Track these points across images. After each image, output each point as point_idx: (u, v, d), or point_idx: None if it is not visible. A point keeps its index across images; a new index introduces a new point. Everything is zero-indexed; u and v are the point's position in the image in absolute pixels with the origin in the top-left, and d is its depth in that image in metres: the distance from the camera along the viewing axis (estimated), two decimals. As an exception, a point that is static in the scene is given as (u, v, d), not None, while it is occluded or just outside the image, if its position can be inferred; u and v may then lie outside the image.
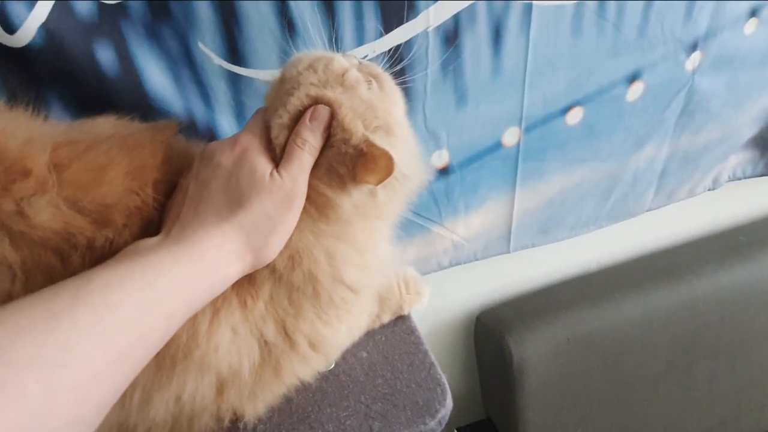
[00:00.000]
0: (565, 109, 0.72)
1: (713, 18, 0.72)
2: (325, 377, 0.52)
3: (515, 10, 0.61)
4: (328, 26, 0.54)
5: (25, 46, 0.46)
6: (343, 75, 0.39)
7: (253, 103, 0.57)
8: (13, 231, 0.32)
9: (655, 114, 0.78)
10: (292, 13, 0.53)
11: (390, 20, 0.57)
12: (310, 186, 0.37)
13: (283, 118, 0.38)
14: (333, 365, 0.54)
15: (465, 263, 0.83)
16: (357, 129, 0.37)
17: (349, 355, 0.55)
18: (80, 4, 0.47)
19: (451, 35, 0.60)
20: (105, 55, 0.49)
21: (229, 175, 0.36)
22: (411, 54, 0.59)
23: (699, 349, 0.96)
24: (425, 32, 0.59)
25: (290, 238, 0.38)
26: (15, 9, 0.44)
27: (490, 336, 0.90)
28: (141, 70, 0.51)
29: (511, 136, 0.72)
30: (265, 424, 0.48)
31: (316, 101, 0.38)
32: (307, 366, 0.44)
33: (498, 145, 0.72)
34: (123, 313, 0.29)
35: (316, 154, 0.37)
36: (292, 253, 0.38)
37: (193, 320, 0.36)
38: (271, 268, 0.38)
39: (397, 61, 0.58)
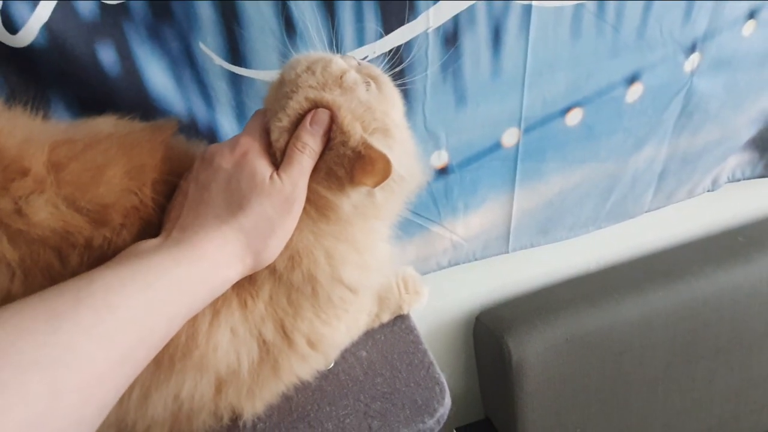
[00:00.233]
0: (564, 110, 0.72)
1: (712, 19, 0.72)
2: (324, 376, 0.53)
3: (515, 12, 0.62)
4: (329, 27, 0.55)
5: (28, 46, 0.46)
6: (341, 77, 0.40)
7: (254, 104, 0.57)
8: (12, 229, 0.32)
9: (654, 115, 0.78)
10: (293, 13, 0.53)
11: (390, 21, 0.57)
12: (310, 188, 0.38)
13: (283, 121, 0.38)
14: (332, 364, 0.54)
15: (464, 263, 0.83)
16: (355, 131, 0.37)
17: (348, 354, 0.55)
18: (82, 5, 0.47)
19: (451, 36, 0.60)
20: (107, 55, 0.49)
21: (229, 177, 0.37)
22: (411, 55, 0.59)
23: (698, 350, 0.97)
24: (425, 33, 0.59)
25: (290, 239, 0.38)
26: (17, 9, 0.44)
27: (489, 336, 0.90)
28: (142, 70, 0.51)
29: (510, 137, 0.72)
30: (265, 423, 0.48)
31: (315, 104, 0.38)
32: (305, 365, 0.44)
33: (497, 146, 0.72)
34: (124, 315, 0.30)
35: (316, 157, 0.38)
36: (292, 254, 0.38)
37: (193, 320, 0.36)
38: (271, 268, 0.38)
39: (397, 62, 0.58)
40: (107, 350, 0.28)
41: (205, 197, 0.36)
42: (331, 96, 0.38)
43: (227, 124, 0.58)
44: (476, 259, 0.84)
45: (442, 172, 0.71)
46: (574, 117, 0.73)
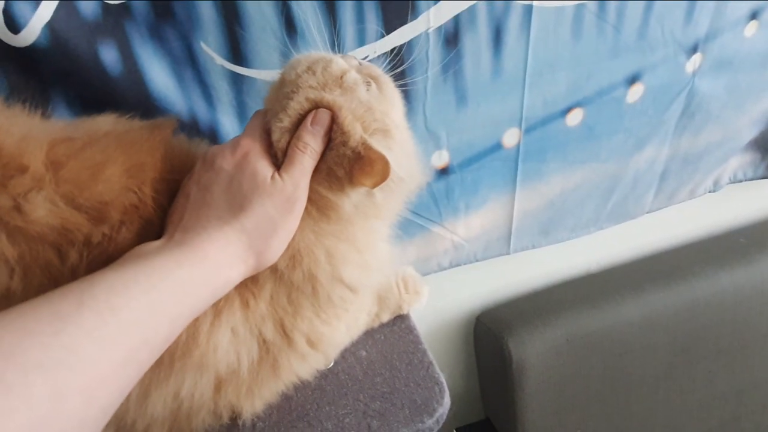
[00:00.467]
0: (565, 110, 0.72)
1: (713, 20, 0.72)
2: (324, 375, 0.53)
3: (515, 12, 0.62)
4: (330, 27, 0.55)
5: (30, 45, 0.46)
6: (341, 77, 0.40)
7: (255, 103, 0.57)
8: (10, 226, 0.33)
9: (656, 116, 0.78)
10: (294, 13, 0.53)
11: (391, 21, 0.57)
12: (311, 188, 0.38)
13: (284, 122, 0.38)
14: (332, 364, 0.54)
15: (465, 264, 0.83)
16: (355, 131, 0.37)
17: (348, 354, 0.55)
18: (84, 4, 0.47)
19: (452, 36, 0.60)
20: (108, 55, 0.49)
21: (231, 178, 0.37)
22: (411, 55, 0.59)
23: (699, 351, 0.96)
24: (426, 33, 0.59)
25: (292, 238, 0.38)
26: (19, 8, 0.44)
27: (489, 336, 0.90)
28: (144, 69, 0.51)
29: (511, 137, 0.72)
30: (265, 422, 0.48)
31: (316, 105, 0.38)
32: (305, 364, 0.44)
33: (498, 146, 0.72)
34: (127, 317, 0.30)
35: (317, 157, 0.38)
36: (293, 253, 0.39)
37: (195, 320, 0.36)
38: (273, 267, 0.38)
39: (398, 62, 0.58)
40: (110, 352, 0.29)
41: (207, 199, 0.37)
42: (331, 96, 0.38)
43: (228, 124, 0.58)
44: (477, 260, 0.84)
45: (443, 172, 0.71)
46: (575, 117, 0.73)
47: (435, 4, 0.57)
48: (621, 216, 0.89)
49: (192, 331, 0.37)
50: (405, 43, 0.59)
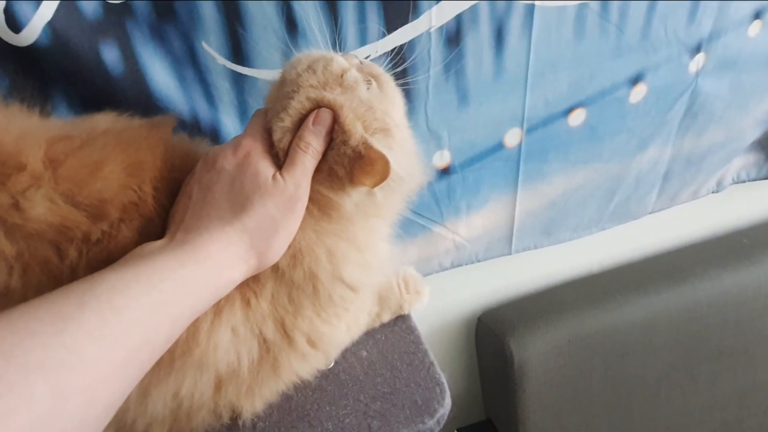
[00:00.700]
0: (567, 110, 0.72)
1: (717, 20, 0.72)
2: (324, 376, 0.53)
3: (517, 11, 0.61)
4: (331, 26, 0.55)
5: (31, 44, 0.46)
6: (341, 76, 0.40)
7: (256, 103, 0.57)
8: (9, 224, 0.33)
9: (658, 116, 0.78)
10: (296, 13, 0.53)
11: (393, 20, 0.57)
12: (312, 187, 0.38)
13: (285, 121, 0.38)
14: (333, 364, 0.54)
15: (466, 264, 0.83)
16: (356, 130, 0.37)
17: (348, 354, 0.55)
18: (86, 4, 0.47)
19: (454, 36, 0.60)
20: (110, 55, 0.49)
21: (233, 179, 0.37)
22: (413, 54, 0.59)
23: (701, 352, 0.96)
24: (428, 33, 0.59)
25: (293, 237, 0.38)
26: (21, 8, 0.44)
27: (491, 337, 0.90)
28: (146, 69, 0.51)
29: (512, 137, 0.72)
30: (265, 422, 0.48)
31: (317, 104, 0.38)
32: (305, 363, 0.44)
33: (500, 146, 0.72)
34: (129, 317, 0.30)
35: (318, 157, 0.38)
36: (294, 252, 0.38)
37: (195, 319, 0.36)
38: (275, 266, 0.38)
39: (400, 62, 0.58)
40: (111, 352, 0.29)
41: (209, 199, 0.37)
42: (332, 95, 0.38)
43: (230, 123, 0.58)
44: (479, 261, 0.83)
45: (445, 172, 0.71)
46: (577, 117, 0.73)
47: (437, 3, 0.57)
48: (623, 216, 0.88)
49: (192, 330, 0.36)
50: (407, 43, 0.58)
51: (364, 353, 0.55)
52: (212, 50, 0.53)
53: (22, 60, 0.47)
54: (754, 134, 0.89)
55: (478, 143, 0.70)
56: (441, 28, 0.59)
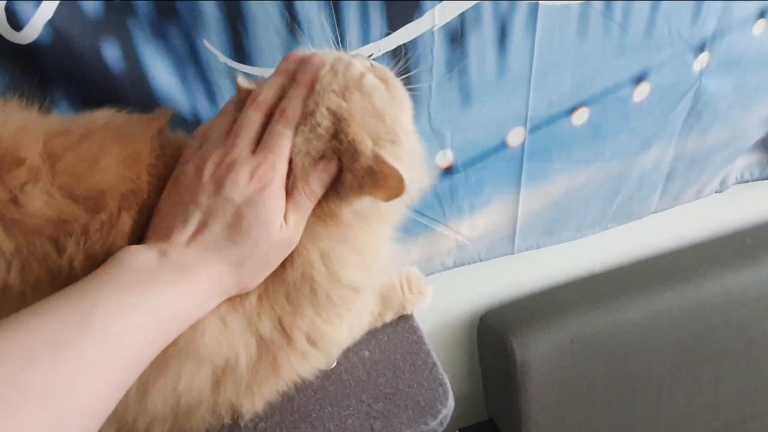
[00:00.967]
0: (570, 109, 0.71)
1: (721, 19, 0.71)
2: (326, 376, 0.52)
3: (521, 10, 0.61)
4: (334, 25, 0.54)
5: (32, 42, 0.46)
6: (360, 80, 0.39)
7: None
8: (7, 219, 0.32)
9: (662, 115, 0.77)
10: (298, 11, 0.53)
11: (395, 19, 0.56)
12: None
13: (312, 152, 0.37)
14: (335, 364, 0.54)
15: (469, 264, 0.83)
16: (366, 146, 0.36)
17: (351, 354, 0.55)
18: (87, 2, 0.47)
19: (457, 35, 0.60)
20: (111, 53, 0.49)
21: (240, 214, 0.35)
22: (416, 53, 0.59)
23: (704, 353, 0.96)
24: (431, 31, 0.59)
25: None
26: (22, 6, 0.44)
27: (493, 337, 0.90)
28: (147, 67, 0.51)
29: (515, 137, 0.71)
30: (266, 422, 0.48)
31: (336, 117, 0.37)
32: (305, 363, 0.44)
33: (503, 145, 0.72)
34: (125, 344, 0.31)
35: (316, 201, 0.38)
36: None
37: None
38: None
39: (403, 61, 0.58)
40: (109, 376, 0.29)
41: (211, 225, 0.35)
42: (347, 106, 0.37)
43: (231, 122, 0.57)
44: (481, 260, 0.83)
45: (447, 171, 0.71)
46: (581, 117, 0.73)
47: (440, 2, 0.57)
48: (626, 216, 0.88)
49: None
50: (410, 42, 0.58)
51: (367, 353, 0.55)
52: (214, 48, 0.53)
53: (23, 58, 0.47)
54: (757, 134, 0.88)
55: (480, 142, 0.70)
56: (444, 26, 0.59)
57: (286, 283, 0.39)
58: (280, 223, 0.36)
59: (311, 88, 0.38)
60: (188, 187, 0.37)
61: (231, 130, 0.38)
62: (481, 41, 0.61)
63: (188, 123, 0.55)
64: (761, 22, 0.74)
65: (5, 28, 0.45)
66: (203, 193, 0.36)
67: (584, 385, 0.92)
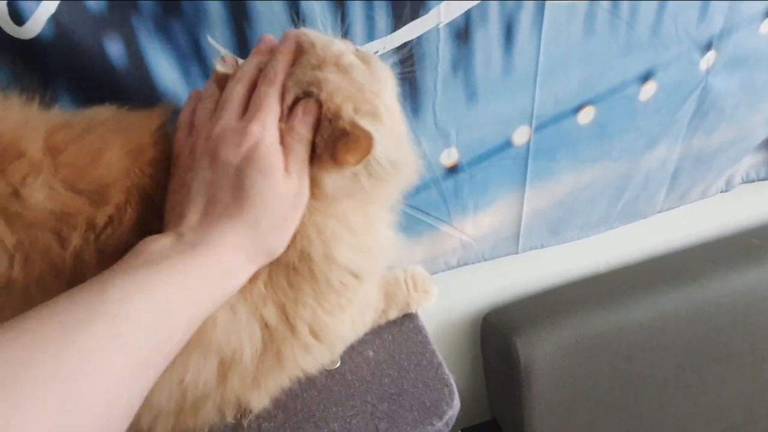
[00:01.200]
0: (576, 108, 0.71)
1: (728, 17, 0.71)
2: (331, 376, 0.52)
3: (527, 8, 0.60)
4: (339, 22, 0.54)
5: (34, 38, 0.45)
6: (339, 57, 0.39)
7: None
8: (9, 212, 0.32)
9: (668, 114, 0.77)
10: (302, 8, 0.52)
11: (401, 16, 0.56)
12: None
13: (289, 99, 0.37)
14: (339, 363, 0.53)
15: (473, 263, 0.83)
16: (346, 112, 0.36)
17: (355, 354, 0.54)
18: (90, -2, 0.46)
19: (463, 32, 0.59)
20: (114, 49, 0.49)
21: (241, 174, 0.35)
22: (422, 51, 0.59)
23: (709, 353, 0.95)
24: (436, 29, 0.58)
25: None
26: (24, 0, 0.44)
27: (497, 336, 0.90)
28: (150, 64, 0.51)
29: (521, 135, 0.71)
30: (270, 422, 0.48)
31: (309, 85, 0.37)
32: (309, 356, 0.43)
33: (508, 144, 0.71)
34: (140, 323, 0.29)
35: (309, 146, 0.37)
36: None
37: None
38: None
39: (408, 58, 0.57)
40: (126, 357, 0.28)
41: (216, 195, 0.35)
42: (324, 75, 0.37)
43: (235, 120, 0.57)
44: (485, 260, 0.83)
45: (452, 170, 0.71)
46: (587, 115, 0.72)
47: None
48: (632, 215, 0.87)
49: None
50: (415, 39, 0.58)
51: (371, 353, 0.55)
52: (218, 45, 0.52)
53: (25, 53, 0.46)
54: (764, 133, 0.88)
55: (486, 141, 0.70)
56: (449, 24, 0.58)
57: (287, 265, 0.39)
58: (281, 173, 0.35)
59: (293, 56, 0.38)
60: (187, 170, 0.37)
61: (216, 108, 0.38)
62: (487, 39, 0.61)
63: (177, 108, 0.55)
64: (768, 20, 0.74)
65: (7, 23, 0.44)
66: (202, 168, 0.36)
67: (588, 386, 0.91)
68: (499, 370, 0.94)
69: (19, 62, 0.47)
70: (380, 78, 0.41)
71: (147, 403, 0.37)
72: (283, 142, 0.36)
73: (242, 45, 0.53)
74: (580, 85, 0.69)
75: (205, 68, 0.53)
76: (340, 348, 0.52)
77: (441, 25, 0.58)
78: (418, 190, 0.70)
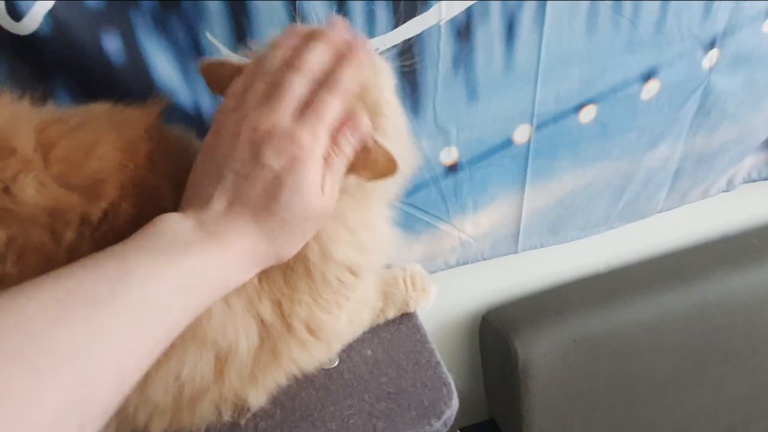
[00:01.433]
0: (578, 106, 0.70)
1: (732, 15, 0.70)
2: (328, 375, 0.52)
3: (529, 5, 0.60)
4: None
5: (32, 33, 0.45)
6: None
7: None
8: (0, 209, 0.32)
9: (670, 113, 0.76)
10: (303, 4, 0.52)
11: (401, 13, 0.56)
12: None
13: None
14: (337, 362, 0.53)
15: (472, 262, 0.82)
16: (363, 121, 0.36)
17: (353, 353, 0.54)
18: (88, -7, 0.46)
19: (464, 29, 0.59)
20: (112, 45, 0.48)
21: (279, 182, 0.33)
22: (423, 48, 0.58)
23: (708, 354, 0.95)
24: (437, 26, 0.58)
25: None
26: (22, -4, 0.43)
27: (495, 336, 0.89)
28: (148, 59, 0.50)
29: (522, 134, 0.70)
30: (267, 421, 0.48)
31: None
32: (305, 352, 0.43)
33: (508, 143, 0.71)
34: (157, 311, 0.30)
35: (347, 164, 0.37)
36: None
37: None
38: None
39: (408, 55, 0.57)
40: (139, 341, 0.29)
41: (248, 192, 0.34)
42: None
43: (234, 117, 0.57)
44: (485, 259, 0.82)
45: (452, 169, 0.70)
46: (588, 114, 0.72)
47: (447, -4, 0.56)
48: (632, 215, 0.87)
49: None
50: (416, 36, 0.57)
51: (369, 352, 0.54)
52: (217, 41, 0.52)
53: (23, 49, 0.46)
54: (766, 132, 0.87)
55: (486, 139, 0.69)
56: (451, 21, 0.58)
57: (283, 263, 0.38)
58: (317, 193, 0.34)
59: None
60: (224, 152, 0.35)
61: (270, 92, 0.35)
62: (488, 36, 0.60)
63: (190, 117, 0.54)
64: (772, 19, 0.73)
65: (4, 18, 0.44)
66: (240, 159, 0.34)
67: (587, 386, 0.91)
68: (497, 370, 0.94)
69: (16, 58, 0.47)
70: (379, 70, 0.40)
71: (144, 398, 0.37)
72: (326, 157, 0.35)
73: (242, 40, 0.52)
74: (582, 83, 0.68)
75: (204, 64, 0.53)
76: (337, 346, 0.51)
77: (442, 22, 0.58)
78: (418, 188, 0.70)
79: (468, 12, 0.58)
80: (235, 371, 0.40)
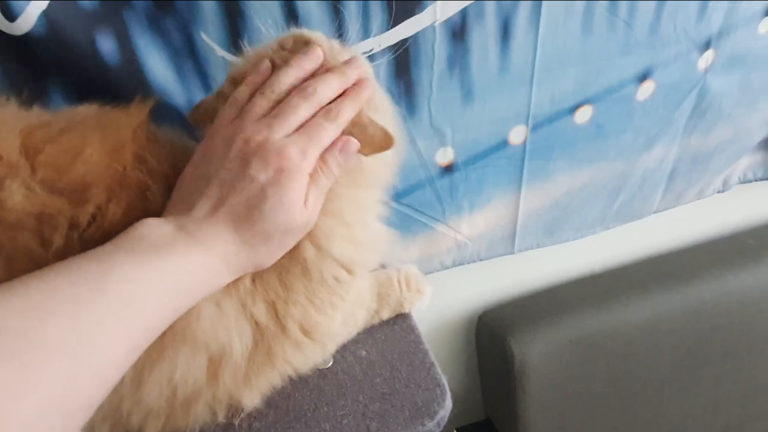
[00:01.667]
0: (573, 107, 0.71)
1: (727, 16, 0.70)
2: (322, 375, 0.52)
3: (524, 6, 0.60)
4: (334, 19, 0.53)
5: (26, 33, 0.45)
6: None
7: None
8: None
9: (666, 114, 0.76)
10: (297, 6, 0.52)
11: (396, 14, 0.56)
12: None
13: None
14: (331, 363, 0.53)
15: (468, 263, 0.82)
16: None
17: (347, 354, 0.54)
18: (82, -7, 0.46)
19: (459, 30, 0.59)
20: (106, 45, 0.48)
21: (263, 195, 0.34)
22: (417, 49, 0.58)
23: (705, 354, 0.95)
24: (432, 27, 0.58)
25: None
26: (15, -4, 0.43)
27: (491, 336, 0.89)
28: (143, 60, 0.50)
29: (517, 135, 0.71)
30: (261, 422, 0.47)
31: None
32: (300, 353, 0.43)
33: (504, 144, 0.71)
34: (138, 309, 0.31)
35: (333, 182, 0.38)
36: None
37: None
38: None
39: (403, 56, 0.57)
40: (120, 342, 0.29)
41: (232, 200, 0.35)
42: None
43: (229, 117, 0.57)
44: (481, 260, 0.82)
45: (448, 169, 0.70)
46: (584, 115, 0.72)
47: (442, -3, 0.56)
48: (628, 216, 0.87)
49: None
50: (411, 37, 0.57)
51: (364, 353, 0.54)
52: (211, 41, 0.52)
53: (17, 49, 0.46)
54: (761, 133, 0.87)
55: (482, 140, 0.69)
56: (446, 22, 0.58)
57: (278, 265, 0.38)
58: (300, 207, 0.35)
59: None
60: (213, 160, 0.36)
61: (274, 111, 0.37)
62: (483, 37, 0.60)
63: (184, 117, 0.54)
64: (767, 20, 0.73)
65: (-2, 18, 0.44)
66: (228, 168, 0.35)
67: (583, 386, 0.91)
68: (493, 370, 0.94)
69: (10, 59, 0.47)
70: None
71: (137, 400, 0.37)
72: (312, 173, 0.36)
73: (236, 40, 0.52)
74: (577, 84, 0.69)
75: (198, 65, 0.53)
76: (332, 347, 0.51)
77: (437, 23, 0.58)
78: (414, 189, 0.70)
79: (463, 13, 0.58)
80: (230, 373, 0.40)
